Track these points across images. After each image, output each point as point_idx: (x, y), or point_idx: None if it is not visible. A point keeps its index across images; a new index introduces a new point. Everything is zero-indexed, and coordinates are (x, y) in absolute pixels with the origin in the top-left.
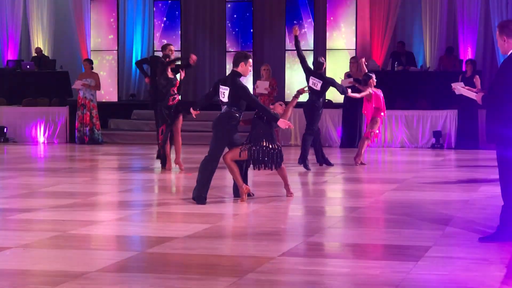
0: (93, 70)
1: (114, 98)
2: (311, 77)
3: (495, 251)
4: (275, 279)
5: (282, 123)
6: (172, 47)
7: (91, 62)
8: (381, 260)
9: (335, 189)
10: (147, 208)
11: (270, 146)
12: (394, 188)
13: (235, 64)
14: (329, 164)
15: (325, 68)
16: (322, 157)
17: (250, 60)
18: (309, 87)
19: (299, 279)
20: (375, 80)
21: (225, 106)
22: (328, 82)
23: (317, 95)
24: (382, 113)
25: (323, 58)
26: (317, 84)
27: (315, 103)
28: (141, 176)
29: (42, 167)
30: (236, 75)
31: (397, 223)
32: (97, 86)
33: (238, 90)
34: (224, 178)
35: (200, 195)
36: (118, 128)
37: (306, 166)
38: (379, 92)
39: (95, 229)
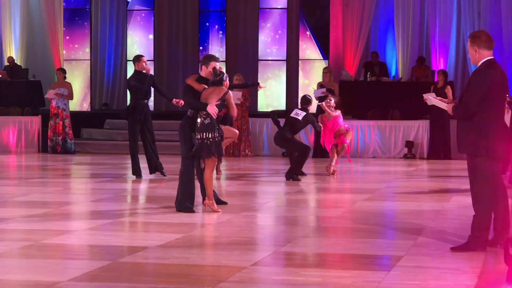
0: (66, 80)
1: (87, 108)
2: (295, 108)
3: (467, 260)
4: None
5: (209, 108)
6: (145, 59)
7: (64, 71)
8: (353, 270)
9: (307, 198)
10: (120, 217)
11: (208, 136)
12: (366, 198)
13: (201, 67)
14: (302, 174)
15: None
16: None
17: (213, 62)
18: (291, 117)
19: None
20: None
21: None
22: (309, 120)
23: (289, 128)
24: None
25: (310, 96)
26: (300, 114)
27: (284, 134)
28: (113, 185)
29: (14, 176)
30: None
31: (369, 233)
32: (70, 96)
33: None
34: (197, 188)
35: (185, 205)
36: (91, 137)
37: (294, 178)
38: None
39: (67, 239)
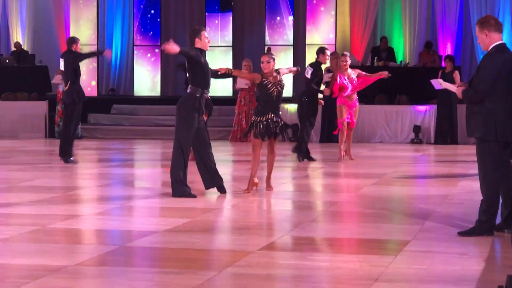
0: None
1: (94, 93)
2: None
3: (474, 245)
4: (253, 273)
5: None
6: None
7: None
8: (360, 254)
9: (315, 183)
10: (127, 202)
11: (262, 119)
12: (374, 183)
13: (192, 42)
14: (311, 159)
15: (326, 60)
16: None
17: (203, 33)
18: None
19: (278, 273)
20: (347, 62)
21: (189, 86)
22: (311, 72)
23: (307, 84)
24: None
25: (326, 50)
26: (308, 71)
27: (304, 92)
28: (120, 170)
29: (20, 161)
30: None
31: (376, 218)
32: None
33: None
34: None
35: (183, 190)
36: (98, 122)
37: (298, 157)
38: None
39: (75, 223)
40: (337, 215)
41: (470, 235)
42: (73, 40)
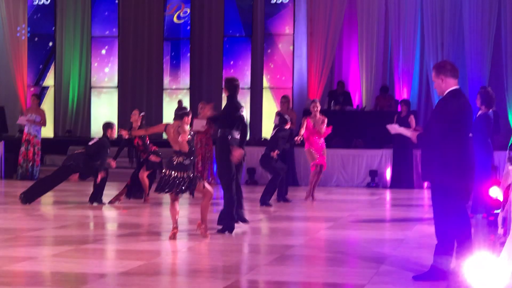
0: (40, 106)
1: (50, 134)
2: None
3: None
4: None
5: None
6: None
7: (38, 97)
8: None
9: (270, 227)
10: (82, 244)
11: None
12: (329, 227)
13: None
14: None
15: (284, 121)
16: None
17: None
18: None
19: None
20: (316, 109)
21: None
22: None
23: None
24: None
25: (285, 116)
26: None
27: (266, 152)
28: (76, 212)
29: None
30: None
31: (332, 261)
32: (43, 122)
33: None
34: (160, 215)
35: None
36: (54, 164)
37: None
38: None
39: (30, 265)
40: (293, 259)
41: (425, 279)
42: (108, 125)
